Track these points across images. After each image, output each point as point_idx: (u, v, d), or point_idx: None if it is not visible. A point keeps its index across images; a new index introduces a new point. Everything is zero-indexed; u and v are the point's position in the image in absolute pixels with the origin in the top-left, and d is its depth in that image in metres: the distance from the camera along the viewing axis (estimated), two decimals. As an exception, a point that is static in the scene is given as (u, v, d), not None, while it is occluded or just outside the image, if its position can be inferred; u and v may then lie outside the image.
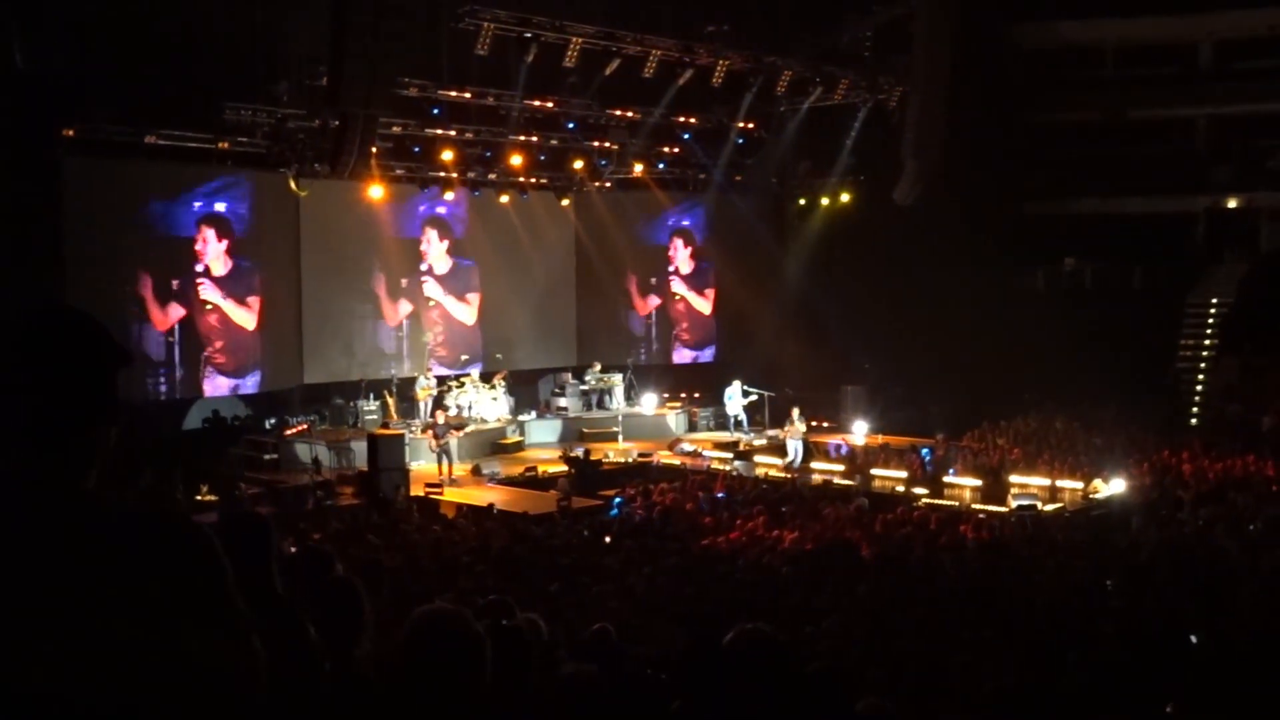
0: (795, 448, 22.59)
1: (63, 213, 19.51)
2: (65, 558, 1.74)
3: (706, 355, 29.50)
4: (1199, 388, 27.37)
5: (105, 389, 1.87)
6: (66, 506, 1.79)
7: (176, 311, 21.50)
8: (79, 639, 1.70)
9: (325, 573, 4.27)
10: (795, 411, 22.91)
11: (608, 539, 15.25)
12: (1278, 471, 19.45)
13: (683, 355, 29.33)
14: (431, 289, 25.70)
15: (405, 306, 25.32)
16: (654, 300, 29.05)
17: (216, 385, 22.28)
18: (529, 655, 3.97)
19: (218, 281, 22.05)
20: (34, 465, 1.80)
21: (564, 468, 21.56)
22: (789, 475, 21.46)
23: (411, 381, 24.13)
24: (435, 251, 25.68)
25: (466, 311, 26.21)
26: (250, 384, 22.79)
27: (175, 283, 21.47)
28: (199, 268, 21.75)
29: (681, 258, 29.19)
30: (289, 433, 22.14)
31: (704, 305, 29.44)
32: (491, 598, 5.58)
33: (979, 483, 19.90)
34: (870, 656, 9.31)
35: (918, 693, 8.31)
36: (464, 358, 25.64)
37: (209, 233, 21.84)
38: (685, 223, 29.08)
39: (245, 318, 22.49)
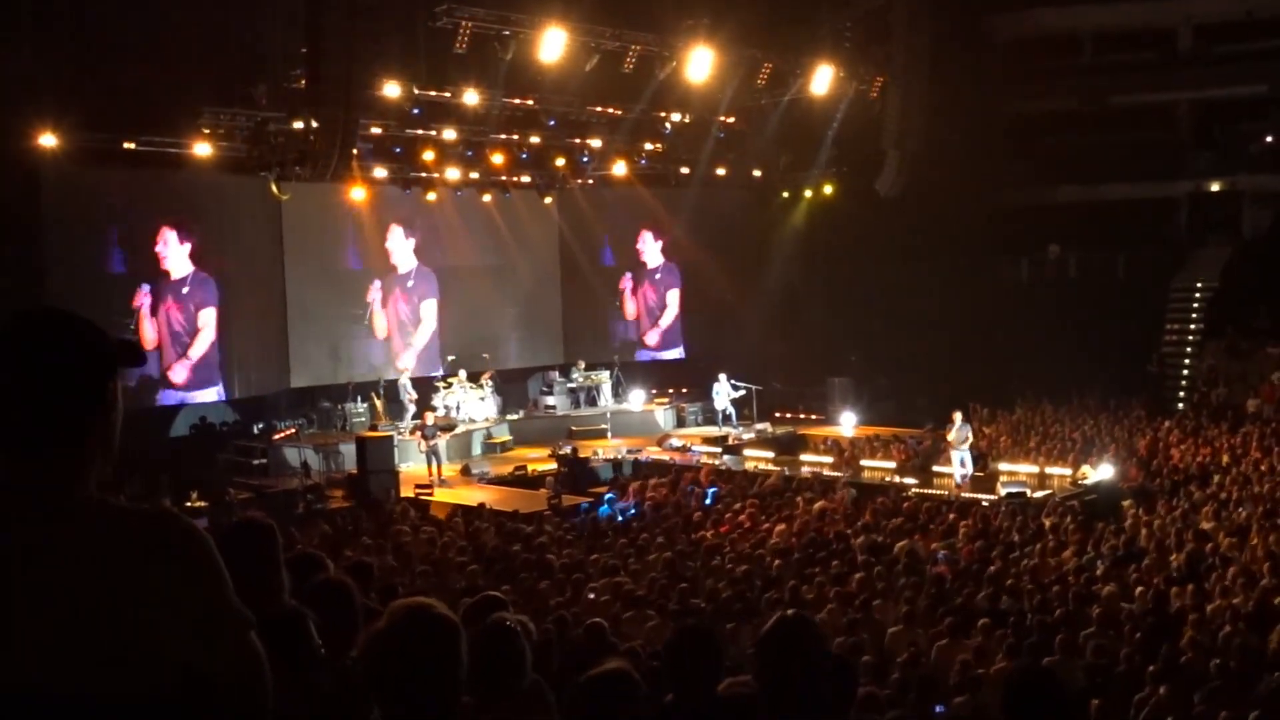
0: (961, 458, 19.59)
1: (41, 219, 19.42)
2: (61, 557, 1.74)
3: (674, 353, 29.48)
4: (1185, 372, 27.48)
5: (93, 390, 1.85)
6: (61, 507, 1.78)
7: (156, 318, 21.40)
8: (78, 636, 1.71)
9: (317, 574, 4.27)
10: (958, 416, 19.75)
11: (611, 533, 15.29)
12: (1263, 454, 19.54)
13: (645, 354, 29.30)
14: (397, 289, 25.54)
15: (385, 307, 25.28)
16: (635, 297, 29.08)
17: (168, 396, 21.80)
18: (522, 653, 3.95)
19: (176, 286, 21.69)
20: (26, 468, 1.79)
21: (553, 465, 21.56)
22: (956, 492, 18.83)
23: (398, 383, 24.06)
24: (401, 250, 25.49)
25: (427, 317, 25.95)
26: (212, 394, 22.38)
27: (149, 288, 21.32)
28: (162, 270, 21.47)
29: (651, 252, 29.17)
30: (277, 437, 22.08)
31: (670, 303, 29.44)
32: (484, 594, 5.57)
33: (967, 471, 19.95)
34: (859, 645, 9.34)
35: (907, 680, 8.34)
36: (450, 358, 25.58)
37: (170, 235, 21.45)
38: (656, 219, 29.09)
39: (204, 325, 22.08)
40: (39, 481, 1.78)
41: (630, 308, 29.15)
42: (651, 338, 29.42)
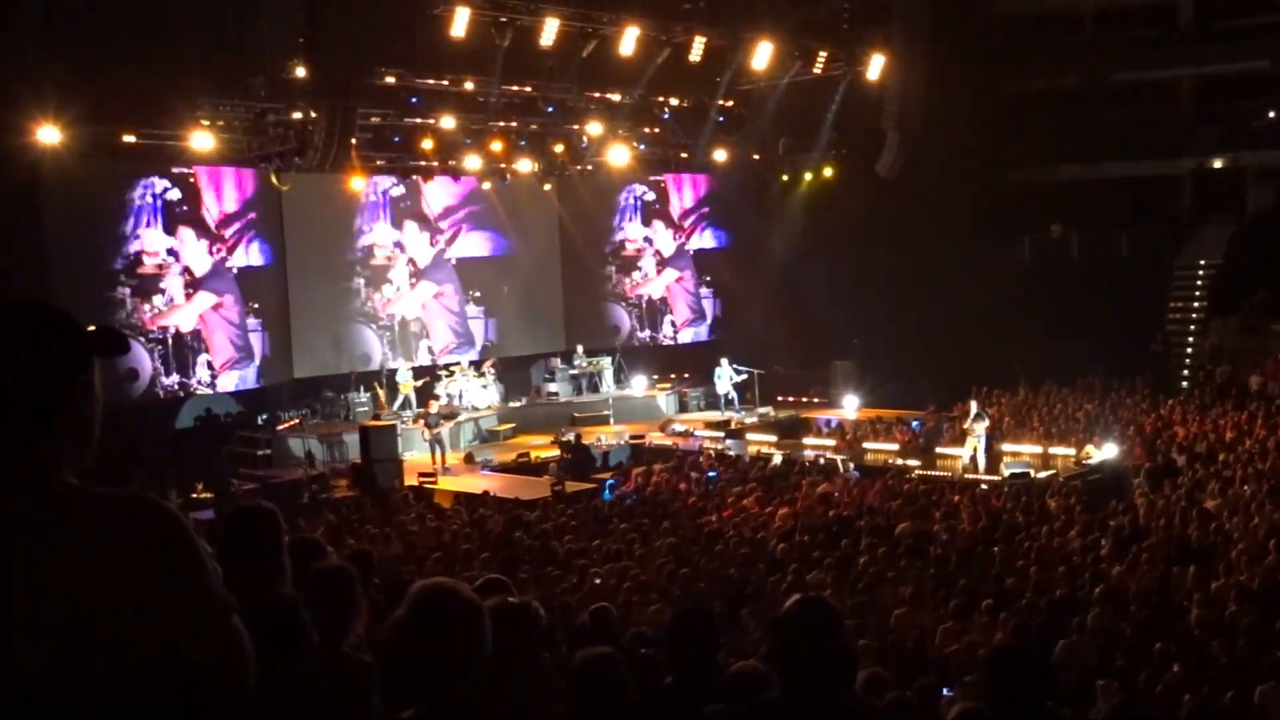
0: (974, 446, 19.42)
1: (43, 214, 19.43)
2: (39, 544, 1.74)
3: (701, 334, 29.47)
4: (1189, 350, 27.41)
5: (62, 379, 1.83)
6: (36, 494, 1.78)
7: (163, 312, 21.47)
8: (60, 622, 1.71)
9: (316, 561, 4.28)
10: (974, 405, 19.89)
11: (615, 519, 15.30)
12: (1268, 431, 19.49)
13: (675, 335, 29.27)
14: (412, 279, 25.59)
15: (392, 297, 25.28)
16: (641, 283, 29.02)
17: (213, 383, 22.29)
18: (534, 632, 3.96)
19: (199, 281, 21.94)
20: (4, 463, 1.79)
21: (556, 452, 21.57)
22: (959, 474, 18.91)
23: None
24: (415, 244, 25.56)
25: (430, 305, 26.02)
26: (248, 379, 22.83)
27: (158, 283, 21.41)
28: (178, 268, 21.64)
29: (663, 239, 29.10)
30: (281, 428, 22.13)
31: (687, 284, 29.39)
32: (488, 576, 5.58)
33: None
34: (863, 628, 9.34)
35: (910, 662, 8.34)
36: (450, 346, 25.65)
37: (187, 233, 21.69)
38: (663, 204, 29.01)
39: (229, 314, 22.43)
40: (11, 470, 1.78)
41: (637, 294, 29.04)
42: (667, 323, 29.35)
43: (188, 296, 21.80)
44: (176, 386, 21.78)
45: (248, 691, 1.86)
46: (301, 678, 3.10)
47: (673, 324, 29.28)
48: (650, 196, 28.78)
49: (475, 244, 26.50)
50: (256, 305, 22.95)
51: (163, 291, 21.43)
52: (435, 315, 25.91)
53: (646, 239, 28.98)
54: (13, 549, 1.73)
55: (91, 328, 1.89)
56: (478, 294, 26.51)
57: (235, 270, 22.54)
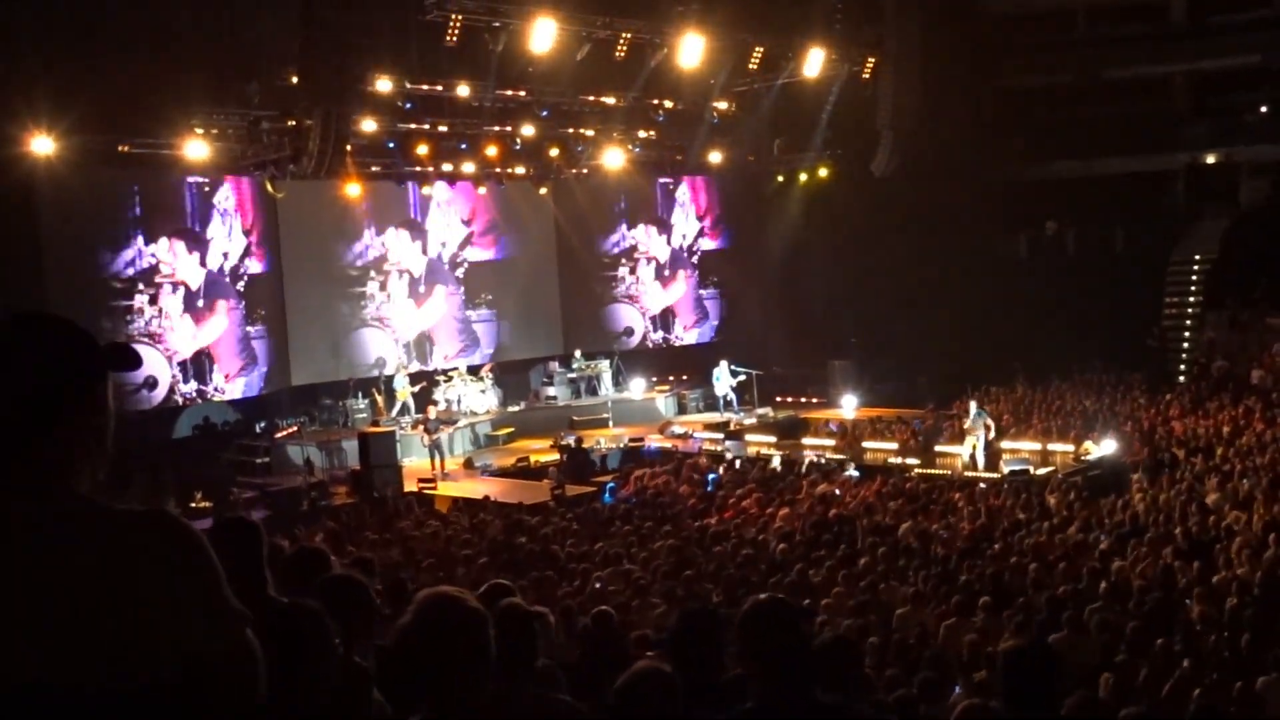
0: (973, 444, 19.44)
1: (39, 224, 19.42)
2: (55, 556, 1.74)
3: (706, 334, 29.45)
4: (1185, 345, 27.46)
5: (74, 390, 1.84)
6: (50, 506, 1.78)
7: (162, 321, 21.46)
8: (75, 634, 1.71)
9: (323, 570, 4.29)
10: (973, 405, 19.95)
11: (617, 522, 15.29)
12: (1266, 425, 19.51)
13: (679, 338, 29.28)
14: (406, 286, 25.60)
15: (391, 303, 25.27)
16: (644, 286, 28.99)
17: (218, 392, 22.33)
18: (534, 636, 3.97)
19: (194, 294, 21.93)
20: (8, 467, 1.79)
21: (556, 456, 21.55)
22: (959, 471, 19.01)
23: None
24: (408, 253, 25.57)
25: (426, 311, 25.98)
26: (253, 386, 22.87)
27: (154, 294, 21.40)
28: (172, 280, 21.64)
29: (657, 245, 29.10)
30: (279, 435, 22.12)
31: (683, 287, 29.39)
32: (492, 581, 5.59)
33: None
34: (866, 627, 9.34)
35: (914, 659, 8.34)
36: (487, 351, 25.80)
37: (179, 245, 21.68)
38: (659, 207, 29.03)
39: (223, 325, 22.41)
40: (10, 471, 1.78)
41: (640, 296, 29.01)
42: (678, 324, 29.34)
43: (187, 306, 21.79)
44: (195, 394, 21.86)
45: (259, 700, 1.88)
46: (301, 683, 3.11)
47: (682, 325, 29.30)
48: (655, 198, 28.78)
49: (476, 249, 26.51)
50: (263, 312, 22.99)
51: (161, 307, 21.42)
52: (440, 320, 25.90)
53: (646, 242, 28.97)
54: (13, 549, 1.74)
55: (111, 342, 1.91)
56: (489, 297, 26.53)
57: (246, 277, 22.59)
